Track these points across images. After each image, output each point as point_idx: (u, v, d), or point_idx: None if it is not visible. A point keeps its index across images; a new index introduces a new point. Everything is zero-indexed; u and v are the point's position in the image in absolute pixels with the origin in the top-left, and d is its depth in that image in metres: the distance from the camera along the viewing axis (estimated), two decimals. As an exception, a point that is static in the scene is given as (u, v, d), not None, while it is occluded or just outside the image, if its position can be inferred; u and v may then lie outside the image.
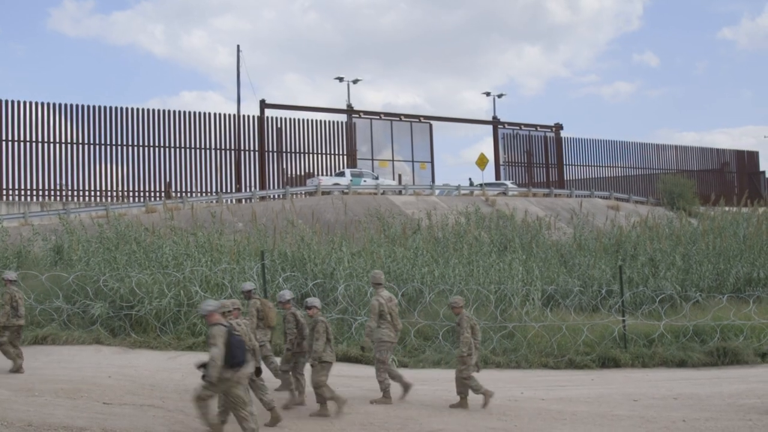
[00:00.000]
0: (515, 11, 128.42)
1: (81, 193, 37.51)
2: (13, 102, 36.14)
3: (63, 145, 37.30)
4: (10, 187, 35.79)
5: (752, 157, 63.43)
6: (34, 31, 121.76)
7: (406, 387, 11.77)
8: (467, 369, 11.20)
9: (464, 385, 11.29)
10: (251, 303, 11.74)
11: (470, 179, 47.08)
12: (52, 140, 36.96)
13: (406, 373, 14.72)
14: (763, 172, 63.12)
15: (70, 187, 37.32)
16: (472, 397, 11.29)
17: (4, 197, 35.37)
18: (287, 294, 11.12)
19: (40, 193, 36.48)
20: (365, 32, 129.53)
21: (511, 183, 47.03)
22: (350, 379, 13.79)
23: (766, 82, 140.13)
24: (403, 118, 49.52)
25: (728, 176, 61.10)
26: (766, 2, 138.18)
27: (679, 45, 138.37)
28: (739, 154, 62.72)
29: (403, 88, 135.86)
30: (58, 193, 36.90)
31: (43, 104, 36.91)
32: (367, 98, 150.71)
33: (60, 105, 37.49)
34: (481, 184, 44.26)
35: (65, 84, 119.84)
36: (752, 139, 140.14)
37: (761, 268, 22.28)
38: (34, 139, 36.43)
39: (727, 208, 36.55)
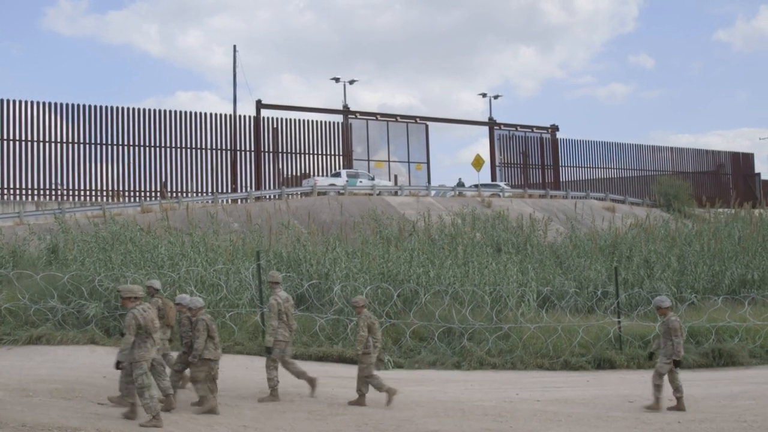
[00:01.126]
0: (511, 12, 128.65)
1: (76, 192, 37.42)
2: (8, 101, 36.06)
3: (59, 145, 37.21)
4: (6, 186, 35.71)
5: (747, 159, 63.52)
6: (29, 30, 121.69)
7: (312, 383, 11.92)
8: (368, 368, 11.34)
9: (365, 383, 11.41)
10: (153, 301, 11.70)
11: (460, 179, 47.13)
12: (47, 140, 36.88)
13: (402, 375, 14.75)
14: (758, 174, 63.20)
15: (65, 187, 37.23)
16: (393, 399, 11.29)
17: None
18: (198, 302, 11.03)
19: (36, 192, 36.39)
20: (361, 32, 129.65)
21: (505, 184, 47.01)
22: (344, 380, 13.77)
23: (761, 84, 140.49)
24: (399, 119, 49.51)
25: (723, 178, 61.18)
26: (761, 4, 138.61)
27: (675, 47, 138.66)
28: (735, 156, 62.82)
29: (399, 88, 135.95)
30: (53, 192, 36.82)
31: (38, 103, 36.84)
32: (363, 99, 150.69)
33: (56, 104, 37.44)
34: (476, 185, 44.25)
35: (60, 83, 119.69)
36: (747, 141, 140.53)
37: (756, 269, 22.32)
38: (29, 139, 36.34)
39: (722, 210, 36.65)
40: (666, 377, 11.31)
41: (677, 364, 11.26)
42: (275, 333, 11.58)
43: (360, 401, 11.43)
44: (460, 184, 44.95)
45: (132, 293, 9.59)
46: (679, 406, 11.25)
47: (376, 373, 11.50)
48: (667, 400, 11.42)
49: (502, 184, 46.67)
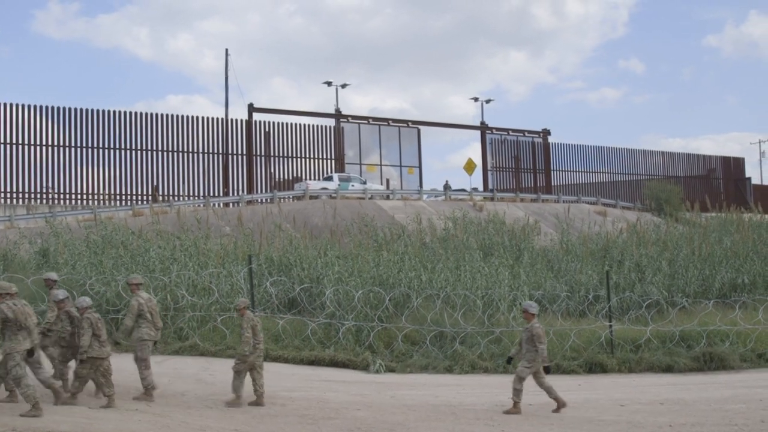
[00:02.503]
0: (501, 17, 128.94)
1: (68, 196, 37.33)
2: (-2, 104, 35.97)
3: (50, 148, 37.12)
4: (-4, 189, 35.63)
5: (738, 163, 63.81)
6: (18, 33, 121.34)
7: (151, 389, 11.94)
8: (242, 364, 11.46)
9: (237, 378, 11.51)
10: (53, 294, 11.91)
11: (446, 182, 47.30)
12: (38, 143, 36.78)
13: (394, 379, 14.76)
14: (749, 179, 63.50)
15: (56, 190, 37.13)
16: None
17: (-10, 200, 35.23)
18: (85, 301, 11.12)
19: (27, 195, 36.29)
20: (352, 36, 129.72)
21: (473, 189, 46.79)
22: (337, 383, 13.78)
23: (750, 89, 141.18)
24: (391, 123, 49.55)
25: (714, 182, 61.42)
26: (750, 10, 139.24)
27: (665, 52, 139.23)
28: (726, 160, 63.07)
29: (390, 92, 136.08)
30: (44, 196, 36.72)
31: (29, 107, 36.77)
32: (354, 102, 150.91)
33: (47, 108, 37.34)
34: (445, 188, 44.42)
35: (50, 87, 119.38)
36: (737, 145, 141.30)
37: (746, 273, 22.42)
38: (20, 142, 36.24)
39: (713, 214, 36.78)
40: (535, 382, 11.37)
41: (547, 370, 11.35)
42: (128, 332, 11.86)
43: (234, 402, 11.43)
44: (447, 187, 45.10)
45: (2, 290, 9.95)
46: (559, 406, 11.31)
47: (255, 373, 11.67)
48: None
49: (468, 189, 46.44)
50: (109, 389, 10.76)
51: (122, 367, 14.02)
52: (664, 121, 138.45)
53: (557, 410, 11.30)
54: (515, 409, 11.18)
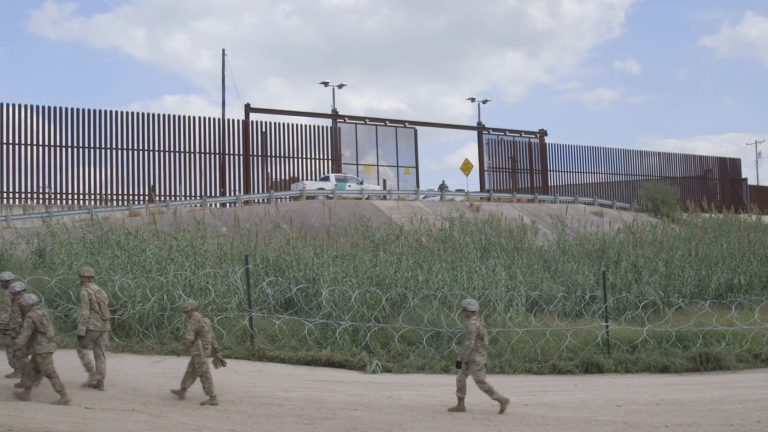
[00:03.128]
0: (497, 17, 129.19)
1: (64, 196, 37.27)
2: (-5, 104, 35.92)
3: (46, 148, 37.03)
4: (-7, 189, 35.58)
5: (734, 164, 63.87)
6: (14, 33, 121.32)
7: (92, 371, 12.09)
8: (202, 366, 11.51)
9: (205, 380, 11.54)
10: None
11: (443, 182, 47.33)
12: (35, 143, 36.69)
13: (391, 379, 14.76)
14: (745, 180, 63.57)
15: (53, 190, 37.07)
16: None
17: (-14, 200, 35.17)
18: (30, 298, 11.21)
19: (23, 196, 36.22)
20: (348, 37, 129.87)
21: (457, 190, 46.76)
22: (334, 384, 13.77)
23: (746, 90, 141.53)
24: (388, 123, 49.52)
25: (711, 183, 61.48)
26: (746, 11, 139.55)
27: (661, 52, 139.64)
28: (722, 161, 63.14)
29: (386, 92, 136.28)
30: (41, 196, 36.66)
31: (25, 106, 36.67)
32: (350, 103, 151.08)
33: (43, 107, 37.23)
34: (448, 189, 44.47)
35: (46, 87, 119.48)
36: (733, 146, 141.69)
37: (743, 274, 22.47)
38: (16, 142, 36.15)
39: (709, 215, 36.83)
40: (466, 377, 11.38)
41: (458, 365, 11.42)
42: (87, 322, 11.93)
43: (211, 401, 11.49)
44: (443, 187, 45.15)
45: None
46: (459, 407, 11.36)
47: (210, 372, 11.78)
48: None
49: (465, 189, 46.47)
50: (33, 382, 10.97)
51: (119, 368, 14.04)
52: (660, 121, 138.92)
53: (454, 409, 11.35)
54: (503, 406, 11.22)
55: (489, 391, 11.25)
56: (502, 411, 11.23)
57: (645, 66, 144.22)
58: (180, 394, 11.63)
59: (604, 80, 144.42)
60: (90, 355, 12.13)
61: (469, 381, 11.37)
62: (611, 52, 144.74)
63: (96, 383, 11.80)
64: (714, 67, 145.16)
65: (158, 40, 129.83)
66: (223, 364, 11.96)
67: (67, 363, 14.34)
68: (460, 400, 11.40)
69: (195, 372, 11.57)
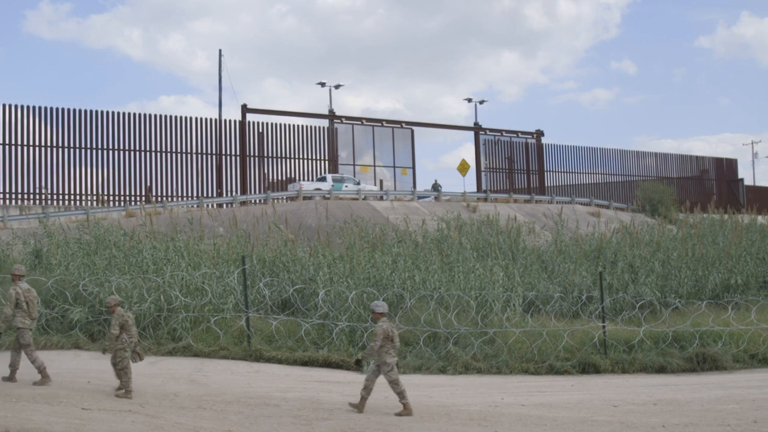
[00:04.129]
0: (493, 17, 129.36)
1: (61, 196, 37.24)
2: (-9, 105, 35.86)
3: (43, 149, 37.01)
4: (-11, 190, 35.54)
5: (731, 164, 63.99)
6: (9, 34, 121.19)
7: (44, 373, 12.14)
8: (123, 360, 11.69)
9: (124, 374, 11.70)
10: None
11: (435, 181, 47.48)
12: (31, 144, 36.67)
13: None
14: (742, 180, 63.71)
15: (49, 191, 37.04)
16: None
17: (-17, 201, 35.14)
18: None
19: (20, 196, 36.19)
20: (344, 37, 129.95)
21: (439, 190, 46.73)
22: (331, 384, 13.77)
23: (742, 90, 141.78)
24: (384, 124, 49.56)
25: (707, 183, 61.59)
26: (742, 11, 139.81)
27: (657, 53, 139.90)
28: (718, 161, 63.25)
29: (382, 93, 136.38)
30: (37, 196, 36.62)
31: (21, 107, 36.64)
32: (347, 103, 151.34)
33: (39, 108, 37.23)
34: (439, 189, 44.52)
35: (42, 87, 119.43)
36: (729, 146, 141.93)
37: (739, 274, 22.49)
38: (13, 143, 36.13)
39: (706, 215, 36.88)
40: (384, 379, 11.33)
41: (356, 363, 11.51)
42: (8, 320, 12.12)
43: (126, 394, 11.61)
44: (436, 187, 45.23)
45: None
46: (359, 406, 11.30)
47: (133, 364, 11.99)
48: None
49: (444, 189, 46.34)
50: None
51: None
52: (656, 121, 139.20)
53: (354, 405, 11.32)
54: (405, 412, 11.09)
55: (400, 394, 11.15)
56: (400, 414, 11.09)
57: (641, 66, 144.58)
58: (126, 394, 11.74)
59: (600, 80, 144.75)
60: (38, 355, 12.29)
61: (390, 380, 11.27)
62: (607, 52, 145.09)
63: (9, 376, 12.14)
64: (710, 67, 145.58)
65: (154, 41, 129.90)
66: (141, 358, 12.13)
67: (63, 364, 14.37)
68: (363, 398, 11.31)
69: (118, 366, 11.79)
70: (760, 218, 35.76)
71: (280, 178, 44.18)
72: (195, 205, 35.72)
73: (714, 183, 61.94)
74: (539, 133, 54.49)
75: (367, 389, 11.28)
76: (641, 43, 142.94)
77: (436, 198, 42.38)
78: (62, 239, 21.56)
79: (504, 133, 53.36)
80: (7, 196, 35.90)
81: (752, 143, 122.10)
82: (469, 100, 55.91)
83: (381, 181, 47.43)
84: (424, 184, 48.12)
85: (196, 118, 41.66)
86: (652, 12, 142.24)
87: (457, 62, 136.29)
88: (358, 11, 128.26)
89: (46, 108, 37.35)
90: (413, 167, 49.95)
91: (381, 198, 40.00)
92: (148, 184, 39.55)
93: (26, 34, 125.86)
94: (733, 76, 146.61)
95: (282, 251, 21.30)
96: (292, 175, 44.50)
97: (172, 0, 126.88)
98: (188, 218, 25.86)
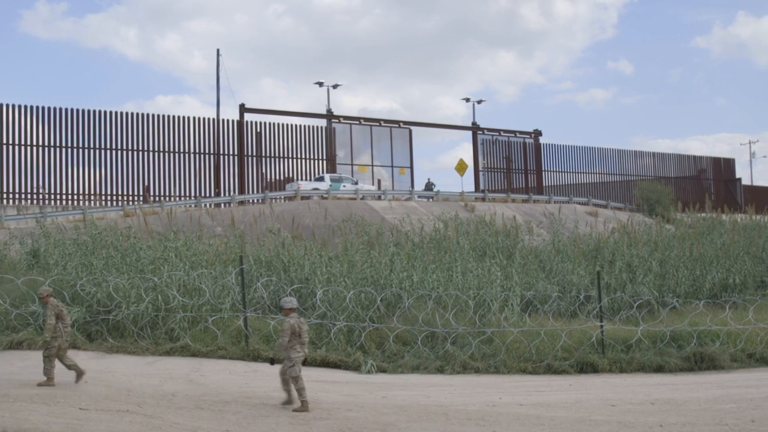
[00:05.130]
0: (490, 17, 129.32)
1: (58, 196, 37.19)
2: (-12, 104, 35.80)
3: (40, 148, 36.93)
4: (-14, 190, 35.49)
5: (728, 164, 64.04)
6: (5, 34, 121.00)
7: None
8: (49, 350, 12.01)
9: (48, 361, 11.99)
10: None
11: (428, 179, 47.43)
12: (28, 143, 36.60)
13: (385, 379, 14.76)
14: (739, 179, 63.74)
15: (47, 191, 36.98)
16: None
17: (-20, 200, 35.07)
18: None
19: (17, 196, 36.14)
20: (340, 37, 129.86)
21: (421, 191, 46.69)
22: (329, 384, 13.76)
23: (739, 90, 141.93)
24: (382, 123, 49.53)
25: (705, 183, 61.62)
26: (738, 12, 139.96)
27: (654, 53, 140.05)
28: (716, 161, 63.29)
29: (380, 93, 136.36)
30: (35, 196, 36.56)
31: (18, 107, 36.57)
32: (344, 103, 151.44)
33: (36, 107, 37.14)
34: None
35: (39, 87, 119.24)
36: (726, 146, 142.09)
37: (737, 274, 22.51)
38: (9, 142, 36.05)
39: (703, 215, 36.91)
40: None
41: (271, 362, 11.66)
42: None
43: (48, 383, 11.91)
44: (429, 186, 45.25)
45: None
46: (288, 401, 11.37)
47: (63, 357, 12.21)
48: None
49: (437, 188, 46.30)
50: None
51: (114, 368, 14.04)
52: (654, 121, 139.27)
53: (285, 402, 11.37)
54: (300, 408, 11.07)
55: (300, 390, 11.14)
56: (282, 403, 11.32)
57: (638, 66, 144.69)
58: (48, 383, 11.95)
59: (597, 80, 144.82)
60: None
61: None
62: (604, 52, 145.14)
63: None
64: (707, 67, 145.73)
65: (151, 40, 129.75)
66: (65, 350, 12.41)
67: (61, 364, 14.34)
68: (290, 392, 11.34)
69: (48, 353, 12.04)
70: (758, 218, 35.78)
71: (278, 177, 44.15)
72: (193, 205, 35.68)
73: (711, 183, 61.98)
74: (537, 133, 54.49)
75: (286, 383, 11.34)
76: (638, 43, 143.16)
77: (432, 197, 42.36)
78: (59, 239, 21.52)
79: (502, 133, 53.35)
80: (4, 195, 35.83)
81: (749, 143, 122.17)
82: (467, 100, 55.92)
83: (379, 181, 47.42)
84: (421, 185, 48.10)
85: (194, 118, 41.66)
86: (649, 12, 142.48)
87: (454, 62, 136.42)
88: (354, 11, 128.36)
89: (42, 108, 37.30)
90: (411, 167, 49.96)
91: (379, 198, 39.99)
92: (146, 183, 39.50)
93: (22, 33, 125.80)
94: (729, 76, 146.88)
95: (279, 251, 21.28)
96: (290, 175, 44.46)
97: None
98: (192, 217, 25.84)
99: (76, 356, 15.23)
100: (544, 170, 54.26)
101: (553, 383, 14.82)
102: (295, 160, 44.96)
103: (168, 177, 40.29)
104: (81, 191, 37.90)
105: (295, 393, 11.26)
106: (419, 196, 42.40)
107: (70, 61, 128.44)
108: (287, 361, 11.23)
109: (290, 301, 11.61)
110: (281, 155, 44.44)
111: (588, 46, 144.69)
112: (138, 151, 39.56)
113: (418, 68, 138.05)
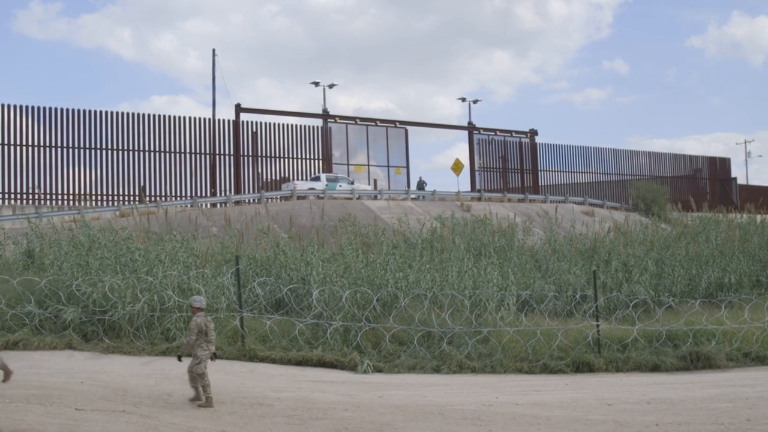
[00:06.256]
0: (485, 17, 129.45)
1: (54, 196, 37.13)
2: (-17, 104, 35.73)
3: (35, 148, 36.89)
4: (-19, 190, 35.43)
5: (724, 163, 64.15)
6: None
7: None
8: None
9: None
10: None
11: (420, 178, 47.48)
12: (23, 143, 36.55)
13: (381, 379, 14.75)
14: (735, 179, 63.86)
15: (42, 191, 36.92)
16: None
17: (-25, 201, 35.02)
18: None
19: (12, 196, 36.08)
20: (336, 37, 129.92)
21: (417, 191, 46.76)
22: (325, 384, 13.75)
23: (734, 90, 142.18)
24: (378, 123, 49.54)
25: (701, 182, 61.72)
26: (733, 11, 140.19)
27: (649, 52, 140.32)
28: (711, 160, 63.40)
29: (375, 92, 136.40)
30: (30, 196, 36.50)
31: (13, 106, 36.50)
32: (339, 103, 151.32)
33: (32, 107, 37.10)
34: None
35: (34, 87, 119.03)
36: (722, 145, 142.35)
37: (733, 273, 22.54)
38: (5, 142, 36.00)
39: (699, 214, 36.97)
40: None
41: (179, 358, 11.66)
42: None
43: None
44: (421, 186, 45.26)
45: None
46: (196, 398, 11.37)
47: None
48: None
49: (430, 188, 46.36)
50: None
51: (109, 368, 14.01)
52: (649, 121, 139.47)
53: (193, 399, 11.35)
54: (208, 402, 11.10)
55: (205, 387, 11.18)
56: (191, 399, 11.31)
57: (633, 66, 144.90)
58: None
59: (592, 80, 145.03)
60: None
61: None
62: (599, 52, 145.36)
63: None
64: (702, 67, 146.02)
65: (145, 41, 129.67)
66: None
67: (57, 365, 14.32)
68: (197, 389, 11.34)
69: None
70: (754, 217, 35.82)
71: (273, 177, 44.14)
72: (189, 205, 35.66)
73: (707, 182, 62.09)
74: (533, 133, 54.53)
75: (193, 380, 11.33)
76: (633, 43, 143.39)
77: (425, 196, 42.37)
78: (54, 239, 21.48)
79: (498, 133, 53.39)
80: (0, 196, 35.78)
81: (745, 142, 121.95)
82: (463, 100, 55.98)
83: (375, 181, 47.44)
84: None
85: (190, 118, 41.62)
86: (644, 12, 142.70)
87: (450, 62, 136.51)
88: (349, 11, 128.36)
89: (38, 107, 37.25)
90: (407, 167, 49.98)
91: (375, 197, 40.00)
92: (142, 183, 39.47)
93: (17, 33, 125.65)
94: (725, 76, 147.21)
95: (275, 251, 21.27)
96: (286, 175, 44.46)
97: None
98: (188, 217, 25.79)
99: (71, 357, 15.26)
100: (540, 170, 54.31)
101: (550, 383, 14.82)
102: (291, 159, 44.96)
103: (164, 177, 40.26)
104: (76, 191, 37.84)
105: (200, 389, 11.29)
106: (414, 196, 42.40)
107: (64, 62, 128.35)
108: (194, 358, 11.27)
109: (199, 300, 11.71)
110: (277, 155, 44.42)
111: (583, 46, 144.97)
112: (134, 151, 39.52)
113: (413, 68, 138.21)
